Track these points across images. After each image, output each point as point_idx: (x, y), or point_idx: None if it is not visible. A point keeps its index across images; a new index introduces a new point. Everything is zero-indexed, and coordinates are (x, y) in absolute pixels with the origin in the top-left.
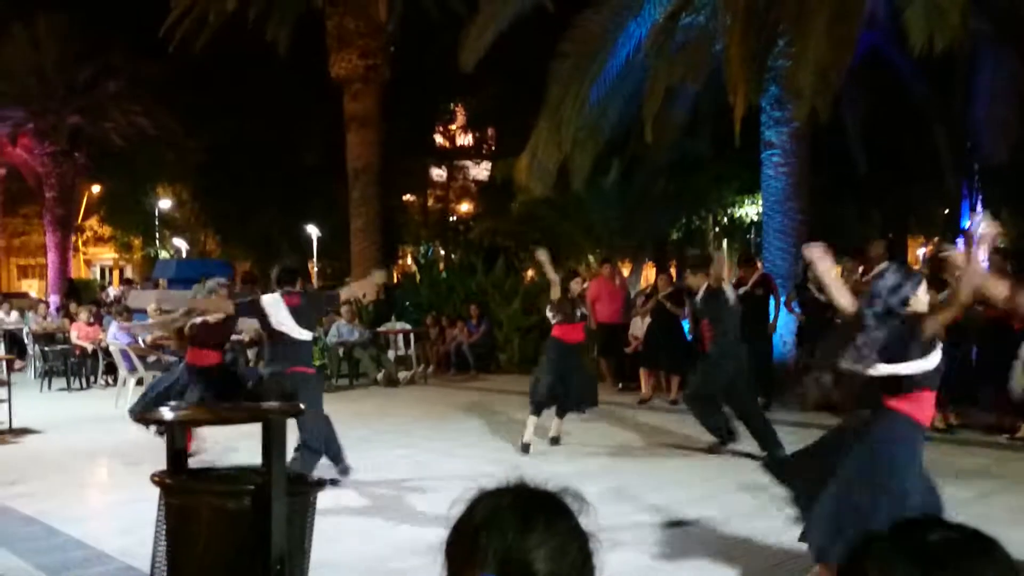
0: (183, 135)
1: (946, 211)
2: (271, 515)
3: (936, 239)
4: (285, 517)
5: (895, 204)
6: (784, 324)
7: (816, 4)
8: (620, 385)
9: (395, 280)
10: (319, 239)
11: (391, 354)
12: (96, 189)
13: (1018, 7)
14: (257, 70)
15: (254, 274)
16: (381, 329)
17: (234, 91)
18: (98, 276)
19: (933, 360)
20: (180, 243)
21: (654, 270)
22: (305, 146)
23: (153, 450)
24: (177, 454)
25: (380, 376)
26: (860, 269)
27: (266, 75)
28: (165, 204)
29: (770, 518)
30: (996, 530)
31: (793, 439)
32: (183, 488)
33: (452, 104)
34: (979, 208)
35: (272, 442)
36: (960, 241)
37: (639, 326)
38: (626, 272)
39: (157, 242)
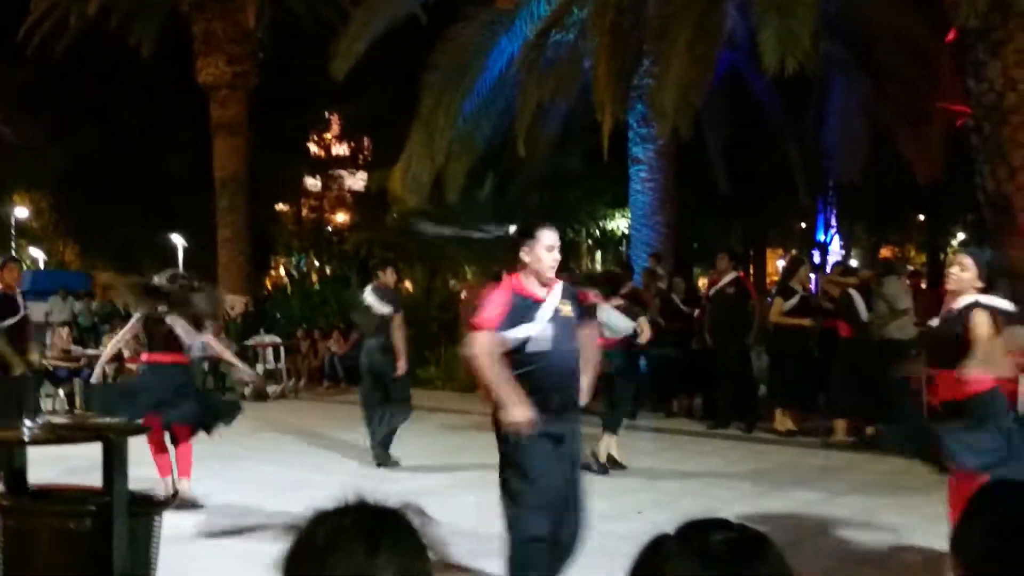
0: (45, 141)
1: (802, 225)
2: (112, 535)
3: (793, 251)
4: (127, 537)
5: (755, 218)
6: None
7: (677, 24)
8: None
9: (266, 291)
10: (185, 249)
11: (260, 368)
12: None
13: (867, 32)
14: (122, 75)
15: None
16: (249, 342)
17: (98, 97)
18: None
19: None
20: (37, 253)
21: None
22: (171, 153)
23: None
24: (16, 475)
25: (248, 391)
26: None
27: (131, 81)
28: (22, 213)
29: (630, 521)
30: (844, 531)
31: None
32: (22, 509)
33: (326, 113)
34: (833, 223)
35: (113, 461)
36: (815, 253)
37: None
38: None
39: (12, 252)
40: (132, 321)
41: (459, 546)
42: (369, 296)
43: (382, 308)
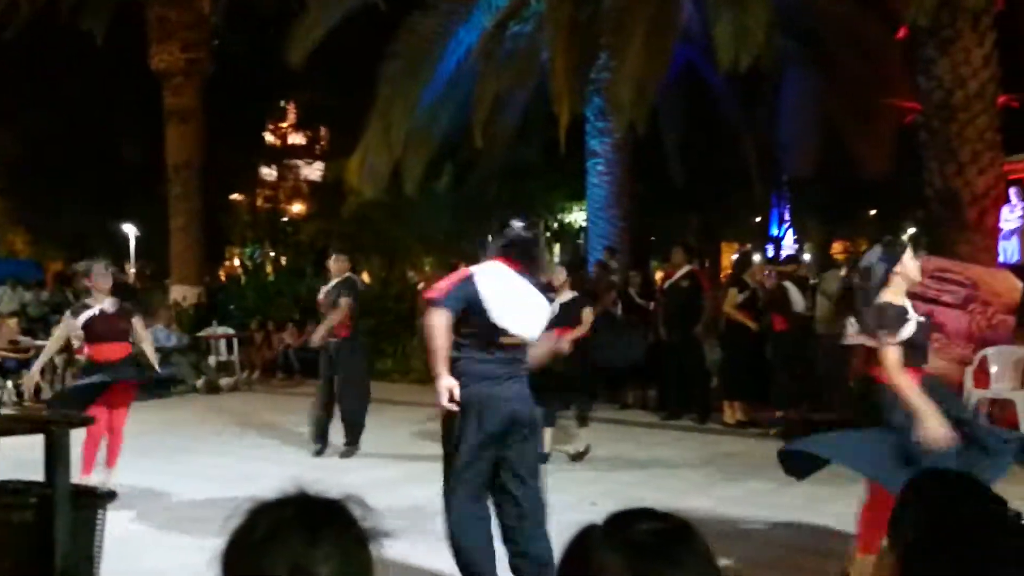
0: None
1: (757, 219)
2: (55, 528)
3: (747, 245)
4: (69, 530)
5: (712, 212)
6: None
7: (633, 18)
8: None
9: (220, 282)
10: (138, 238)
11: (212, 360)
12: None
13: (820, 27)
14: (74, 61)
15: (66, 274)
16: (202, 334)
17: (50, 83)
18: None
19: None
20: None
21: None
22: (124, 141)
23: None
24: None
25: (200, 383)
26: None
27: (84, 67)
28: None
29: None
30: (792, 520)
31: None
32: None
33: (283, 102)
34: (787, 217)
35: (55, 454)
36: (769, 248)
37: None
38: None
39: None
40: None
41: (407, 539)
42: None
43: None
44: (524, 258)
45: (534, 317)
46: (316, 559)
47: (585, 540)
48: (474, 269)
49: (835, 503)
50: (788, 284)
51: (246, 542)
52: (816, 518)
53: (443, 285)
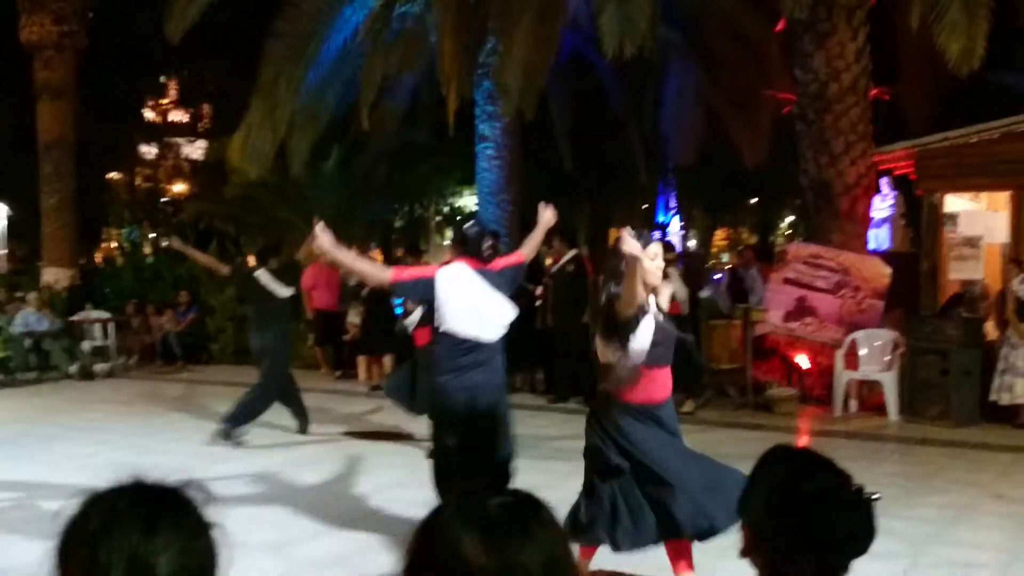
0: None
1: (644, 206)
2: None
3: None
4: None
5: (601, 198)
6: None
7: (521, 4)
8: (338, 373)
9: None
10: (10, 218)
11: (86, 345)
12: None
13: (701, 19)
14: None
15: None
16: (75, 318)
17: None
18: None
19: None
20: None
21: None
22: None
23: None
24: None
25: (74, 369)
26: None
27: None
28: None
29: None
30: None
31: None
32: None
33: (163, 77)
34: (672, 204)
35: None
36: (656, 234)
37: (356, 314)
38: None
39: None
40: None
41: (296, 526)
42: (268, 279)
43: (284, 291)
44: (477, 254)
45: (490, 318)
46: (154, 549)
47: (437, 517)
48: (439, 270)
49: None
50: (672, 271)
51: (80, 534)
52: None
53: (407, 273)
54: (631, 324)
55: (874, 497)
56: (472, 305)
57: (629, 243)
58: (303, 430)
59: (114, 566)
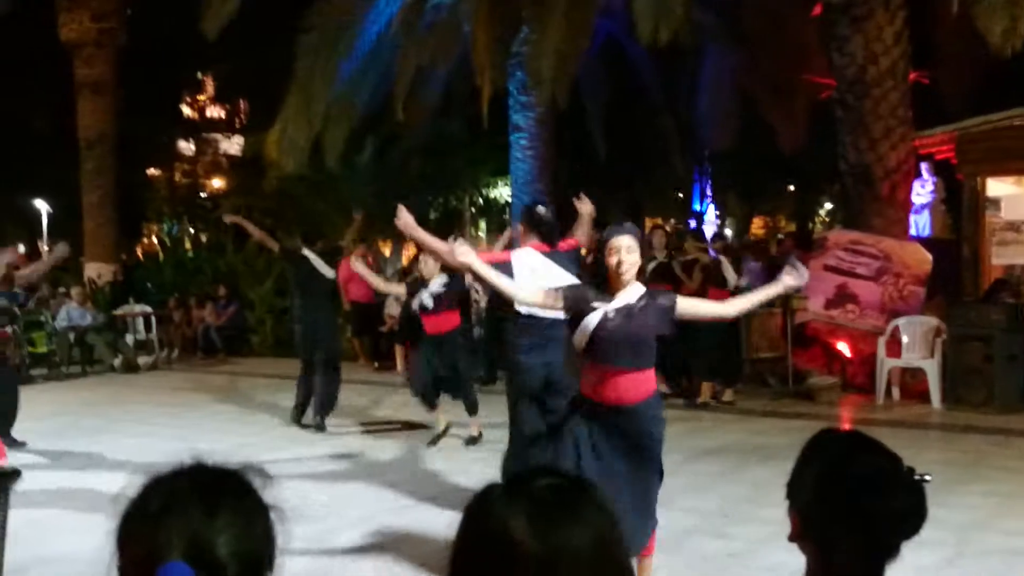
0: None
1: (679, 195)
2: None
3: (672, 220)
4: None
5: (634, 187)
6: None
7: None
8: (376, 365)
9: (137, 260)
10: (50, 215)
11: (130, 338)
12: None
13: (738, 4)
14: None
15: None
16: (118, 312)
17: None
18: None
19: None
20: None
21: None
22: (33, 113)
23: None
24: None
25: (118, 362)
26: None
27: None
28: None
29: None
30: (710, 488)
31: None
32: None
33: (200, 74)
34: (708, 192)
35: None
36: (692, 222)
37: (394, 305)
38: (387, 251)
39: None
40: None
41: (337, 514)
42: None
43: (330, 272)
44: (548, 237)
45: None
46: (215, 530)
47: (486, 498)
48: (512, 254)
49: (757, 468)
50: (723, 258)
51: (140, 515)
52: (740, 485)
53: (484, 258)
54: (580, 316)
55: (925, 478)
56: (549, 287)
57: (460, 250)
58: (296, 420)
59: (174, 546)
